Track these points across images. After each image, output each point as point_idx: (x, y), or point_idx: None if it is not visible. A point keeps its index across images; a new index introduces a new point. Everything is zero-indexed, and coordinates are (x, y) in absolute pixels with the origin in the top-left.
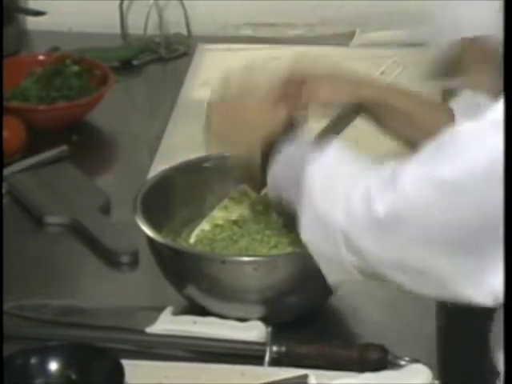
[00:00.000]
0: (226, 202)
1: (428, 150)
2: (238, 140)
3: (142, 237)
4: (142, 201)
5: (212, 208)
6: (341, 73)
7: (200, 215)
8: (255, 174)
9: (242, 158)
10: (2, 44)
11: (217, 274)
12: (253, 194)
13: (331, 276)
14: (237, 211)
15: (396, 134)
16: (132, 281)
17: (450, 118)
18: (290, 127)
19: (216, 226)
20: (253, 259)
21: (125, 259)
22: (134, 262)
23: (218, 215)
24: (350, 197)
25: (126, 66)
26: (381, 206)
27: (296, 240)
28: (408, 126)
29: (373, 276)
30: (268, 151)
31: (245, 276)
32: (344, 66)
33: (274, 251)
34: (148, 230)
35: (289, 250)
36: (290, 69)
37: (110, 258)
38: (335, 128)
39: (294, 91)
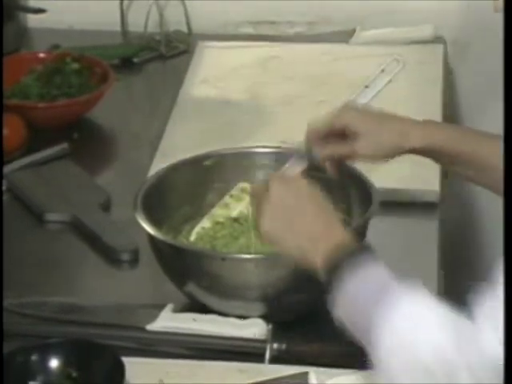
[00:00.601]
0: (226, 199)
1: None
2: (298, 243)
3: (142, 234)
4: (143, 198)
5: (212, 205)
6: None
7: (200, 213)
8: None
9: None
10: (2, 42)
11: (217, 271)
12: None
13: None
14: (237, 208)
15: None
16: (132, 278)
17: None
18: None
19: (216, 223)
20: (253, 257)
21: (125, 257)
22: (135, 260)
23: (219, 212)
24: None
25: (127, 64)
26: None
27: None
28: (478, 170)
29: None
30: (332, 267)
31: (245, 273)
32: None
33: (274, 249)
34: (148, 228)
35: None
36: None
37: (110, 255)
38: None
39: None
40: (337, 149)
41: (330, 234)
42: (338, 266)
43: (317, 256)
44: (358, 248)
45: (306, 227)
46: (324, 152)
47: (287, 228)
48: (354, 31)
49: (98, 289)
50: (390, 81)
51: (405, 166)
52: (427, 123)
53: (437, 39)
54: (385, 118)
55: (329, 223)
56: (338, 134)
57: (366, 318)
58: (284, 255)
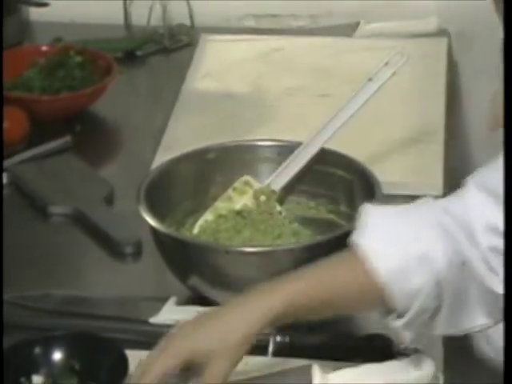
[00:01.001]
0: (229, 192)
1: None
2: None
3: (145, 227)
4: (146, 191)
5: (215, 198)
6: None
7: (203, 206)
8: None
9: None
10: (2, 35)
11: (220, 264)
12: (256, 185)
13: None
14: (240, 202)
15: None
16: (135, 271)
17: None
18: None
19: (219, 216)
20: (256, 249)
21: (128, 249)
22: (138, 253)
23: (222, 206)
24: None
25: (130, 57)
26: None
27: (299, 230)
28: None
29: None
30: None
31: (248, 266)
32: None
33: (278, 241)
34: (151, 221)
35: (292, 240)
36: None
37: (113, 248)
38: None
39: None
40: None
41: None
42: None
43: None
44: None
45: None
46: None
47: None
48: (357, 24)
49: (101, 282)
50: (393, 74)
51: (408, 158)
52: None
53: (441, 32)
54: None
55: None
56: None
57: None
58: None
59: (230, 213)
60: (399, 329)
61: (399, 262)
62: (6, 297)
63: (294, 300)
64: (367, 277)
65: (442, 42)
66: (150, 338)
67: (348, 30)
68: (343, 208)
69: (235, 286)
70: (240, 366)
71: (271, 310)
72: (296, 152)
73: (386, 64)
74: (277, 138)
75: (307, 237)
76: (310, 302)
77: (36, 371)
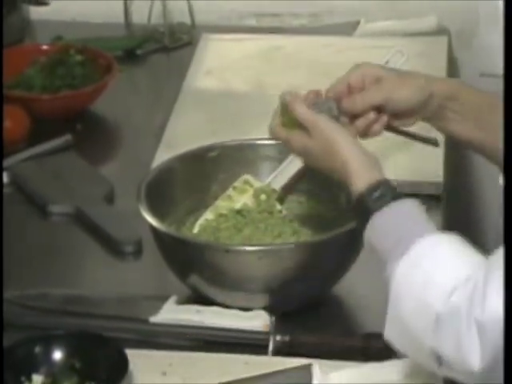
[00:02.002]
0: (229, 191)
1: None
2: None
3: (145, 226)
4: (146, 190)
5: (216, 197)
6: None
7: (204, 205)
8: None
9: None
10: (2, 33)
11: (220, 263)
12: (256, 184)
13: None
14: (240, 201)
15: (461, 137)
16: (136, 270)
17: None
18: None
19: (220, 215)
20: (256, 248)
21: (129, 248)
22: (138, 251)
23: (222, 204)
24: (442, 320)
25: (130, 56)
26: (476, 360)
27: (300, 229)
28: (476, 128)
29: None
30: (369, 197)
31: (248, 265)
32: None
33: (278, 240)
34: (152, 220)
35: (292, 239)
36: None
37: (113, 247)
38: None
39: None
40: (368, 97)
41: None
42: (380, 194)
43: (355, 178)
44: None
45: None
46: (354, 105)
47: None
48: (357, 23)
49: (101, 280)
50: None
51: (408, 158)
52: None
53: (441, 30)
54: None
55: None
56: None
57: (395, 242)
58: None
59: (231, 212)
60: None
61: None
62: (6, 296)
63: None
64: None
65: (442, 41)
66: (150, 337)
67: (348, 28)
68: (344, 207)
69: (235, 285)
70: (240, 366)
71: None
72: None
73: (387, 62)
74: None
75: (307, 236)
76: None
77: (36, 370)
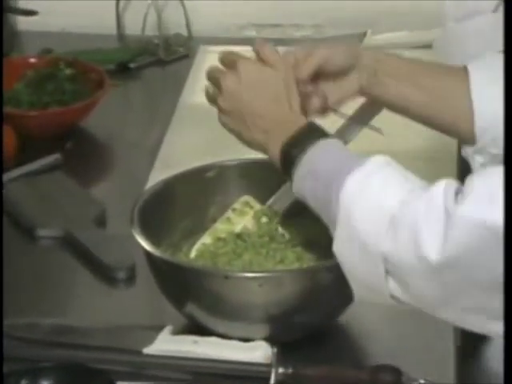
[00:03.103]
0: (228, 213)
1: (480, 193)
2: (253, 137)
3: (139, 251)
4: (140, 212)
5: (214, 220)
6: None
7: (201, 228)
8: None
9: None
10: (2, 44)
11: (219, 290)
12: (257, 206)
13: (360, 295)
14: (240, 223)
15: (400, 103)
16: (128, 298)
17: (461, 83)
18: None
19: (218, 239)
20: (257, 275)
21: (121, 275)
22: (131, 278)
23: (221, 228)
24: (396, 223)
25: (123, 69)
26: (432, 249)
27: (303, 255)
28: (415, 90)
29: (412, 306)
30: (290, 148)
31: (249, 293)
32: None
33: (280, 266)
34: (146, 244)
35: (296, 265)
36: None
37: (105, 273)
38: (355, 125)
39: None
40: (345, 90)
41: (283, 124)
42: (297, 143)
43: (273, 146)
44: (317, 129)
45: (257, 121)
46: (300, 71)
47: (240, 123)
48: (364, 35)
49: (91, 309)
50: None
51: (420, 163)
52: None
53: None
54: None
55: (281, 113)
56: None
57: (328, 184)
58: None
59: (230, 235)
60: (470, 152)
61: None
62: None
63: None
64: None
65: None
66: (144, 370)
67: (354, 40)
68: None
69: (235, 313)
70: None
71: None
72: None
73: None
74: None
75: (312, 262)
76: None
77: None
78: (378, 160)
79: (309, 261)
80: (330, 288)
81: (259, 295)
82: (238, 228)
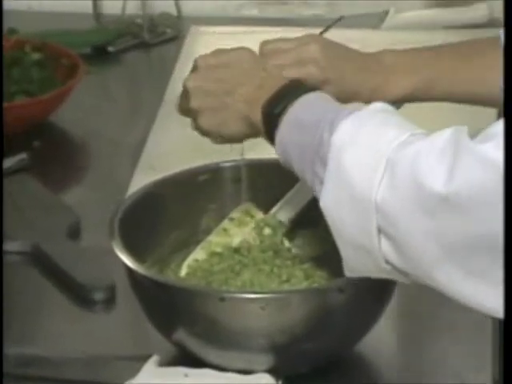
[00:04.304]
0: (225, 223)
1: (487, 134)
2: (232, 119)
3: (120, 268)
4: (121, 223)
5: (208, 231)
6: None
7: (193, 241)
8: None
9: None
10: (2, 44)
11: (214, 314)
12: (259, 215)
13: (351, 263)
14: (239, 236)
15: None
16: (107, 323)
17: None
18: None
19: (213, 254)
20: (259, 296)
21: (99, 296)
22: (110, 300)
23: (216, 241)
24: (392, 167)
25: (100, 54)
26: (438, 182)
27: (313, 272)
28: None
29: (404, 271)
30: (270, 108)
31: (249, 317)
32: None
33: (286, 286)
34: (128, 260)
35: (304, 284)
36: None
37: (80, 294)
38: None
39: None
40: None
41: (264, 88)
42: (278, 100)
43: (256, 113)
44: (301, 85)
45: (233, 96)
46: None
47: (215, 113)
48: (386, 13)
49: (64, 336)
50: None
51: None
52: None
53: (492, 22)
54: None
55: (259, 79)
56: None
57: (317, 134)
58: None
59: (227, 250)
60: None
61: None
62: None
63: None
64: None
65: (494, 35)
66: None
67: (375, 20)
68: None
69: (233, 341)
70: None
71: None
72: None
73: None
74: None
75: (323, 281)
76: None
77: None
78: (376, 105)
79: (319, 279)
80: (344, 312)
81: (261, 320)
82: (236, 241)
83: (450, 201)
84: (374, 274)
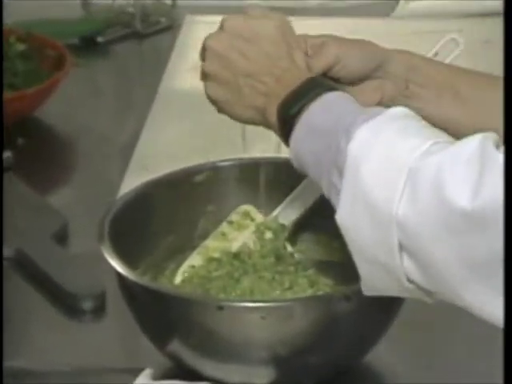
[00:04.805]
0: (223, 227)
1: None
2: (246, 104)
3: (110, 274)
4: (111, 226)
5: (205, 235)
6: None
7: (189, 245)
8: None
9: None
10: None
11: (212, 324)
12: (259, 217)
13: (370, 283)
14: (238, 240)
15: (439, 117)
16: (97, 334)
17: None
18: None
19: (211, 259)
20: (260, 305)
21: (87, 305)
22: (100, 309)
23: (214, 245)
24: (415, 178)
25: (89, 45)
26: (464, 197)
27: (318, 279)
28: (451, 100)
29: (428, 290)
30: (287, 107)
31: (249, 327)
32: None
33: (289, 294)
34: (119, 266)
35: (308, 292)
36: None
37: (67, 303)
38: None
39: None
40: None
41: (283, 81)
42: (296, 100)
43: (272, 109)
44: (322, 83)
45: (251, 82)
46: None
47: (230, 89)
48: (396, 1)
49: (51, 348)
50: None
51: None
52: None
53: None
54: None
55: (280, 68)
56: None
57: (333, 140)
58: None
59: (225, 255)
60: None
61: None
62: None
63: None
64: None
65: None
66: None
67: (385, 8)
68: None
69: (232, 353)
70: None
71: None
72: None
73: (436, 55)
74: (283, 153)
75: (328, 288)
76: None
77: None
78: (396, 110)
79: (324, 287)
80: (351, 322)
81: (262, 330)
82: (235, 246)
83: (475, 217)
84: (395, 292)
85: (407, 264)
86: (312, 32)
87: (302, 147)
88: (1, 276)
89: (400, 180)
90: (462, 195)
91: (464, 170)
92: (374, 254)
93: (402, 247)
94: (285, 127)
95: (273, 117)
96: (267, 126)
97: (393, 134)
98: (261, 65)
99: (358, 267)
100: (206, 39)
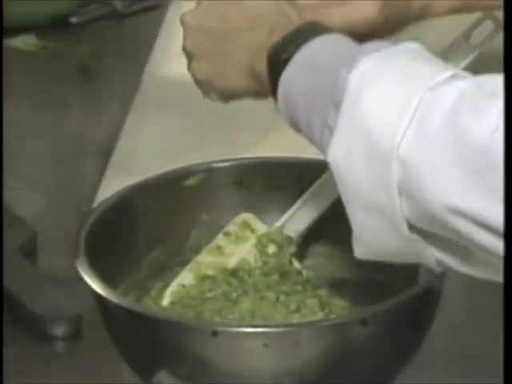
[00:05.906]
0: (219, 239)
1: None
2: (235, 67)
3: (86, 295)
4: (88, 239)
5: (197, 249)
6: None
7: (178, 261)
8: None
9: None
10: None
11: (205, 352)
12: (261, 228)
13: (364, 236)
14: (236, 254)
15: None
16: (72, 364)
17: None
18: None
19: (204, 277)
20: (262, 330)
21: (60, 330)
22: (75, 335)
23: (208, 261)
24: (427, 105)
25: (61, 26)
26: (484, 133)
27: (329, 301)
28: None
29: (430, 234)
30: (278, 52)
31: (249, 356)
32: None
33: (296, 318)
34: (96, 285)
35: (318, 315)
36: None
37: (36, 327)
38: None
39: None
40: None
41: (275, 32)
42: (288, 43)
43: (262, 61)
44: (318, 26)
45: (237, 41)
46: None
47: (214, 60)
48: None
49: (16, 380)
50: (479, 53)
51: None
52: None
53: None
54: None
55: (272, 19)
56: None
57: (330, 79)
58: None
59: (221, 272)
60: None
61: None
62: None
63: None
64: None
65: None
66: None
67: None
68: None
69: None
70: None
71: None
72: (323, 177)
73: (468, 38)
74: (291, 152)
75: (342, 310)
76: None
77: None
78: (410, 44)
79: (337, 309)
80: (369, 349)
81: (264, 360)
82: (232, 261)
83: (491, 153)
84: (394, 248)
85: (406, 206)
86: None
87: (293, 88)
88: (1, 271)
89: (409, 109)
90: (482, 130)
91: (488, 100)
92: (369, 197)
93: (401, 193)
94: (275, 73)
95: (262, 67)
96: (260, 85)
97: (405, 62)
98: (246, 22)
99: (351, 218)
100: (181, 17)
